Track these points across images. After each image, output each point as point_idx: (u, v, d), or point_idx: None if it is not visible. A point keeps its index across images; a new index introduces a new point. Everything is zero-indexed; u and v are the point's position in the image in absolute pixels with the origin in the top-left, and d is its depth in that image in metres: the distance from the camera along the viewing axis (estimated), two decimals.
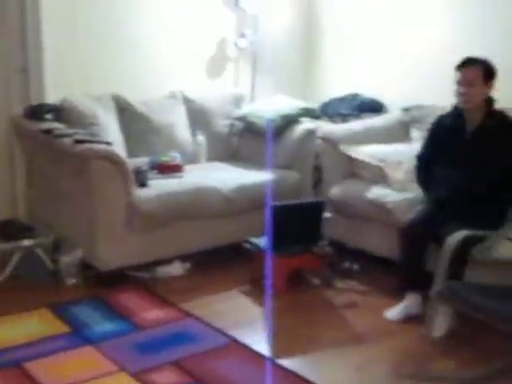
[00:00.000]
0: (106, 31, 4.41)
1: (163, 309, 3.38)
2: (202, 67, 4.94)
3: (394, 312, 3.30)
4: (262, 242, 3.63)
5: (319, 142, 4.20)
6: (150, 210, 3.63)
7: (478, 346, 3.01)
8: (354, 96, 4.85)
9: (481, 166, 3.26)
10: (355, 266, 3.89)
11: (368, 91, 4.84)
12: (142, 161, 3.98)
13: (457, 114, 3.38)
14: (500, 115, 3.32)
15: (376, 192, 3.76)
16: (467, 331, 3.09)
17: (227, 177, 4.11)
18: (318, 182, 4.24)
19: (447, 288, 2.49)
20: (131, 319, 3.25)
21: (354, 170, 4.07)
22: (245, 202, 4.00)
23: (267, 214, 3.45)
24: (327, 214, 3.85)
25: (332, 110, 4.78)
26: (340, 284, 3.73)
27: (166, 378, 2.69)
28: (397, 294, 3.37)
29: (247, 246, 3.75)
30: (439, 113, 3.60)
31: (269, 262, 3.35)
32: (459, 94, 3.27)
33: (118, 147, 3.87)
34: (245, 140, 4.70)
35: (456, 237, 2.62)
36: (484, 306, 2.37)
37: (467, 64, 3.25)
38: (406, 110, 4.38)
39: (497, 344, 2.96)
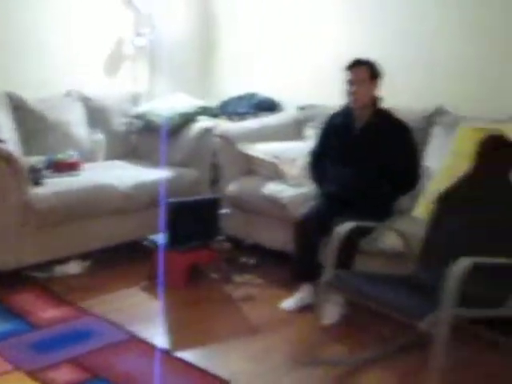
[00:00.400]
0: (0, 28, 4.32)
1: (61, 308, 3.35)
2: (99, 65, 4.92)
3: (289, 303, 3.42)
4: (161, 238, 3.67)
5: (216, 140, 4.28)
6: (45, 209, 3.58)
7: (370, 331, 3.17)
8: (252, 95, 4.96)
9: (365, 162, 3.43)
10: (252, 261, 3.99)
11: (266, 91, 4.97)
12: (38, 159, 3.92)
13: (347, 112, 3.54)
14: (385, 113, 3.51)
15: (271, 188, 3.87)
16: (360, 318, 3.25)
17: (125, 174, 4.13)
18: (215, 179, 4.33)
19: (335, 277, 2.62)
20: (28, 319, 3.20)
21: (250, 167, 4.17)
22: (143, 199, 4.03)
23: (164, 211, 3.50)
24: (224, 210, 3.93)
25: (230, 109, 4.88)
26: (238, 278, 3.82)
27: (64, 375, 2.68)
28: (292, 286, 3.49)
29: (146, 243, 3.78)
30: (331, 112, 3.75)
31: (165, 258, 3.40)
32: (349, 93, 3.44)
33: (12, 145, 3.80)
34: (143, 138, 4.72)
35: (344, 227, 2.76)
36: (369, 293, 2.51)
37: (356, 65, 3.42)
38: (301, 109, 4.54)
39: (387, 328, 3.12)
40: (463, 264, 2.26)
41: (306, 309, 3.36)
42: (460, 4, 4.04)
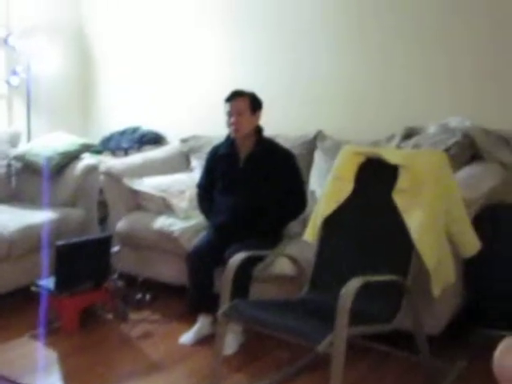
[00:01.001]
0: None
1: None
2: None
3: (187, 336, 3.40)
4: (50, 282, 3.55)
5: (102, 177, 4.21)
6: None
7: (270, 356, 3.21)
8: (135, 129, 4.94)
9: (251, 191, 3.49)
10: (148, 296, 3.93)
11: (148, 124, 4.97)
12: None
13: (230, 143, 3.60)
14: (268, 142, 3.60)
15: (161, 222, 3.86)
16: (259, 344, 3.29)
17: (8, 219, 3.96)
18: (104, 217, 4.25)
19: (231, 307, 2.64)
20: None
21: (139, 202, 4.13)
22: (29, 243, 3.88)
23: (52, 254, 3.39)
24: (115, 248, 3.87)
25: (113, 144, 4.84)
26: (134, 316, 3.75)
27: None
28: (190, 319, 3.48)
29: (33, 288, 3.64)
30: (215, 142, 3.81)
31: (55, 303, 3.29)
32: (230, 124, 3.50)
33: None
34: (24, 180, 4.56)
35: (236, 258, 2.78)
36: (266, 321, 2.54)
37: (235, 96, 3.49)
38: (184, 140, 4.56)
39: (285, 355, 3.18)
40: (354, 284, 2.34)
41: (205, 341, 3.35)
42: (336, 30, 4.23)
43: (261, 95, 3.57)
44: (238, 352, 3.26)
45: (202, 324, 3.41)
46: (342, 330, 2.28)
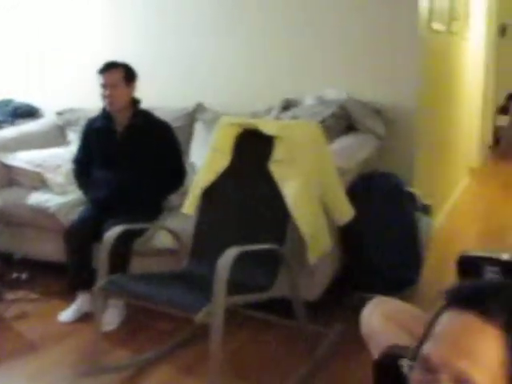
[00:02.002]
0: None
1: None
2: None
3: (67, 314, 3.32)
4: None
5: None
6: None
7: (151, 330, 3.21)
8: (7, 102, 4.72)
9: (129, 164, 3.44)
10: (24, 275, 3.80)
11: (22, 96, 4.76)
12: None
13: (106, 116, 3.51)
14: (145, 114, 3.53)
15: (37, 197, 3.72)
16: (141, 317, 3.28)
17: None
18: None
19: (108, 282, 2.60)
20: None
21: (13, 177, 3.96)
22: None
23: None
24: None
25: None
26: (10, 295, 3.61)
27: None
28: (70, 297, 3.40)
29: None
30: (91, 115, 3.70)
31: None
32: (105, 97, 3.40)
33: None
34: None
35: (113, 232, 2.73)
36: (144, 294, 2.52)
37: (109, 68, 3.39)
38: (60, 113, 4.41)
39: (169, 326, 3.18)
40: (230, 254, 2.37)
41: (86, 318, 3.28)
42: (216, 6, 4.21)
43: (140, 67, 3.50)
44: (120, 327, 3.23)
45: (81, 301, 3.34)
46: (220, 300, 2.31)
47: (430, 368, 0.93)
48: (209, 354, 2.41)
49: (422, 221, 3.52)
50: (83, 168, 3.58)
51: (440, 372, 0.91)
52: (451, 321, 0.94)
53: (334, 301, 3.34)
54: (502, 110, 8.54)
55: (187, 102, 4.15)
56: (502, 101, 8.55)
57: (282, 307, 2.98)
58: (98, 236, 3.23)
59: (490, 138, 8.44)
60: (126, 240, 3.04)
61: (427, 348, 0.95)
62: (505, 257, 2.38)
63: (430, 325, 0.98)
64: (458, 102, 5.74)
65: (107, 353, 2.98)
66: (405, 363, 1.00)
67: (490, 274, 2.18)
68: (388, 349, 1.41)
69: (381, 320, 1.72)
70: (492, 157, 8.13)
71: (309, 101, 3.81)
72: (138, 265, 3.29)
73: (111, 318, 3.18)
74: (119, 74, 3.38)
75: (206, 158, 3.01)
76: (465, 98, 6.15)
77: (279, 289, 2.73)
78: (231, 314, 2.56)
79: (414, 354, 0.99)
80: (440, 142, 4.98)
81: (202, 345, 2.83)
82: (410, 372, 0.99)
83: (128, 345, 3.09)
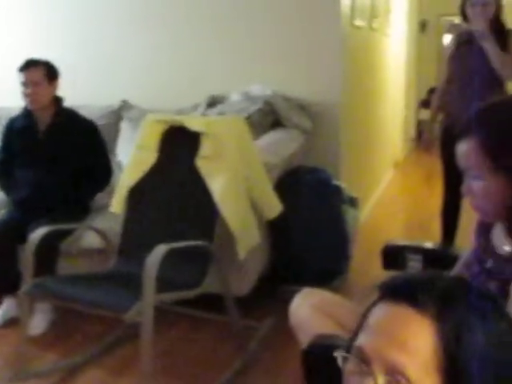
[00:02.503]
0: None
1: None
2: None
3: None
4: None
5: None
6: None
7: (81, 333, 3.15)
8: None
9: (53, 164, 3.36)
10: None
11: None
12: None
13: (27, 114, 3.42)
14: (69, 113, 3.46)
15: None
16: (70, 320, 3.22)
17: None
18: None
19: (34, 285, 2.54)
20: None
21: None
22: None
23: None
24: None
25: None
26: None
27: None
28: None
29: None
30: (14, 114, 3.60)
31: None
32: (26, 95, 3.32)
33: None
34: None
35: (37, 233, 2.67)
36: (72, 296, 2.48)
37: (30, 65, 3.30)
38: None
39: (98, 329, 3.13)
40: (159, 251, 2.35)
41: (14, 323, 3.19)
42: (140, 2, 4.17)
43: (62, 66, 3.42)
44: (48, 331, 3.16)
45: (7, 306, 3.25)
46: (149, 298, 2.29)
47: (363, 359, 0.94)
48: (140, 353, 2.39)
49: (349, 213, 3.59)
50: (5, 168, 3.48)
51: (373, 363, 0.93)
52: (384, 312, 0.96)
53: (265, 295, 3.37)
54: (424, 104, 8.79)
55: (111, 100, 4.10)
56: (424, 95, 8.81)
57: (213, 303, 3.00)
58: (22, 238, 3.15)
59: (413, 132, 8.69)
60: (51, 241, 2.96)
61: (360, 340, 0.97)
62: (427, 246, 2.46)
63: (364, 317, 1.00)
64: (381, 97, 5.89)
65: (35, 357, 2.91)
66: (339, 355, 1.01)
67: (413, 263, 2.25)
68: (316, 338, 1.43)
69: (309, 310, 1.75)
70: (415, 150, 8.36)
71: (235, 97, 3.82)
72: (65, 266, 3.22)
73: (38, 322, 3.11)
74: (40, 72, 3.30)
75: (132, 157, 2.98)
76: (388, 92, 6.31)
77: (210, 285, 2.73)
78: (162, 312, 2.55)
79: (348, 345, 1.00)
80: (365, 135, 5.09)
81: (133, 345, 2.82)
82: (343, 364, 1.00)
83: (57, 349, 3.03)
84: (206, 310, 3.16)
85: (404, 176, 6.82)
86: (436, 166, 3.92)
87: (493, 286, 1.48)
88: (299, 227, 3.35)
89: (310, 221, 3.37)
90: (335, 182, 3.60)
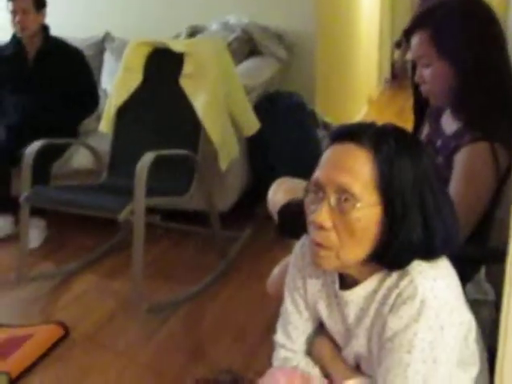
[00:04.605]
0: None
1: None
2: None
3: None
4: None
5: None
6: None
7: (74, 246, 3.38)
8: None
9: (42, 89, 3.52)
10: None
11: None
12: None
13: (16, 42, 3.56)
14: (57, 41, 3.62)
15: None
16: (62, 236, 3.46)
17: None
18: None
19: (33, 192, 2.74)
20: None
21: None
22: None
23: None
24: None
25: None
26: None
27: None
28: None
29: None
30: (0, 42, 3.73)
31: None
32: (15, 23, 3.46)
33: None
34: None
35: (34, 146, 2.83)
36: (68, 200, 2.69)
37: None
38: None
39: (89, 242, 3.37)
40: (148, 157, 2.57)
41: (7, 240, 3.40)
42: None
43: None
44: (43, 245, 3.38)
45: (1, 224, 3.44)
46: (141, 198, 2.51)
47: (318, 186, 1.20)
48: (131, 259, 2.62)
49: (323, 136, 3.81)
50: None
51: (326, 187, 1.18)
52: (332, 151, 1.22)
53: (244, 211, 3.60)
54: (399, 45, 8.94)
55: (93, 33, 4.23)
56: (399, 36, 8.95)
57: (197, 220, 3.27)
58: (13, 161, 3.30)
59: (387, 71, 8.88)
60: (45, 159, 3.14)
61: (316, 173, 1.23)
62: None
63: (319, 160, 1.26)
64: (355, 32, 6.05)
65: (32, 266, 3.12)
66: (302, 191, 1.27)
67: None
68: (287, 201, 1.69)
69: (283, 194, 2.00)
70: (390, 89, 8.58)
71: (214, 26, 3.98)
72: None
73: (34, 236, 3.30)
74: (29, 0, 3.44)
75: (119, 78, 3.16)
76: (362, 29, 6.47)
77: (194, 202, 2.97)
78: (151, 227, 2.77)
79: (307, 185, 1.25)
80: (340, 68, 5.28)
81: (124, 255, 3.08)
82: (305, 197, 1.26)
83: (52, 259, 3.27)
84: (191, 225, 3.42)
85: (377, 112, 7.05)
86: (409, 102, 4.12)
87: (440, 159, 1.73)
88: (276, 146, 3.55)
89: (286, 140, 3.58)
90: (310, 107, 3.82)
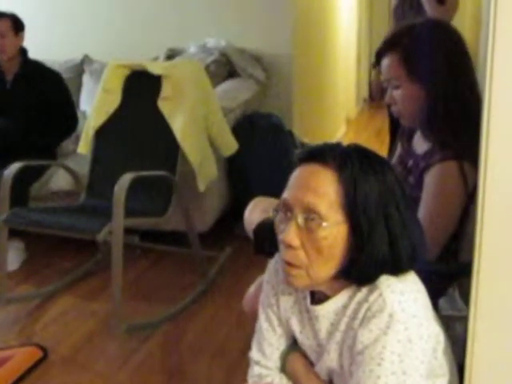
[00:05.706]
0: None
1: None
2: None
3: None
4: None
5: None
6: None
7: (53, 268, 3.38)
8: None
9: (20, 112, 3.54)
10: None
11: None
12: None
13: None
14: (35, 64, 3.64)
15: None
16: (41, 259, 3.46)
17: None
18: None
19: (12, 214, 2.76)
20: None
21: None
22: None
23: None
24: None
25: None
26: None
27: None
28: None
29: None
30: None
31: None
32: None
33: None
34: None
35: (12, 168, 2.83)
36: (48, 222, 2.70)
37: None
38: None
39: (68, 264, 3.38)
40: (126, 178, 2.59)
41: None
42: None
43: (24, 19, 3.59)
44: (22, 267, 3.38)
45: None
46: (119, 219, 2.53)
47: (287, 207, 1.24)
48: (110, 280, 2.63)
49: None
50: None
51: (294, 207, 1.22)
52: (300, 171, 1.26)
53: (223, 231, 3.63)
54: (375, 66, 9.07)
55: (71, 55, 4.27)
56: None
57: (176, 240, 3.30)
58: None
59: (365, 93, 9.00)
60: (23, 182, 3.16)
61: (284, 195, 1.26)
62: None
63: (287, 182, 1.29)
64: (333, 53, 6.14)
65: (12, 288, 3.12)
66: (272, 212, 1.30)
67: None
68: (262, 220, 1.72)
69: (259, 213, 2.02)
70: (368, 110, 8.68)
71: (192, 49, 4.04)
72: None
73: (13, 258, 3.30)
74: (7, 24, 3.47)
75: (98, 99, 3.19)
76: (339, 50, 6.56)
77: (174, 222, 2.99)
78: (129, 248, 2.79)
79: (277, 205, 1.29)
80: (317, 89, 5.35)
81: (102, 277, 3.10)
82: (275, 217, 1.29)
83: (31, 281, 3.26)
84: (170, 245, 3.44)
85: (355, 133, 7.13)
86: (387, 122, 4.19)
87: (412, 179, 1.78)
88: (254, 167, 3.60)
89: (264, 161, 3.63)
90: (288, 128, 3.87)
